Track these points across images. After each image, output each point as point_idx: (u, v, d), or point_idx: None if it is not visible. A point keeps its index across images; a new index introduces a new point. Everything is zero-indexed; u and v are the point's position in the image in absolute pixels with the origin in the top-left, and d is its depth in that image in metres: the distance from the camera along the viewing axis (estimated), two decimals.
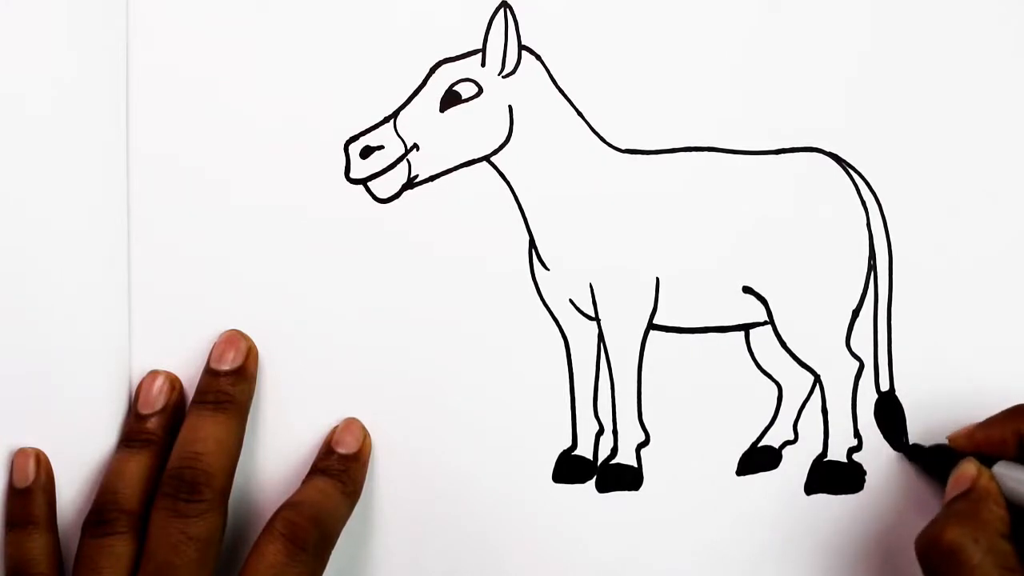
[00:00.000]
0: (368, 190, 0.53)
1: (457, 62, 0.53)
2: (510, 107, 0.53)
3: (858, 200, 0.54)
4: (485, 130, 0.53)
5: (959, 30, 0.54)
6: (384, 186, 0.53)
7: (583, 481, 0.54)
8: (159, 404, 0.52)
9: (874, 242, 0.54)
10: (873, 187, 0.54)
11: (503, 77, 0.53)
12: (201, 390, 0.52)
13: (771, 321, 0.54)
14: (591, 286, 0.54)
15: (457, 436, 0.54)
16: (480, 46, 0.53)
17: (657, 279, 0.54)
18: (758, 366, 0.54)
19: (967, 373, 0.54)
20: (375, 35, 0.53)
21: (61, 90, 0.51)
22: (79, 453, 0.52)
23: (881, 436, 0.54)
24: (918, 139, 0.54)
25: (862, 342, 0.54)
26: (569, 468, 0.54)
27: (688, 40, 0.53)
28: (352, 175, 0.53)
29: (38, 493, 0.51)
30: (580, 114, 0.53)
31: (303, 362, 0.53)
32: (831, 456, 0.54)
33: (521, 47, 0.53)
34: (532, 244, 0.53)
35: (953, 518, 0.47)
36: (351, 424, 0.53)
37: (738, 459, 0.54)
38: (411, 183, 0.53)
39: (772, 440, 0.54)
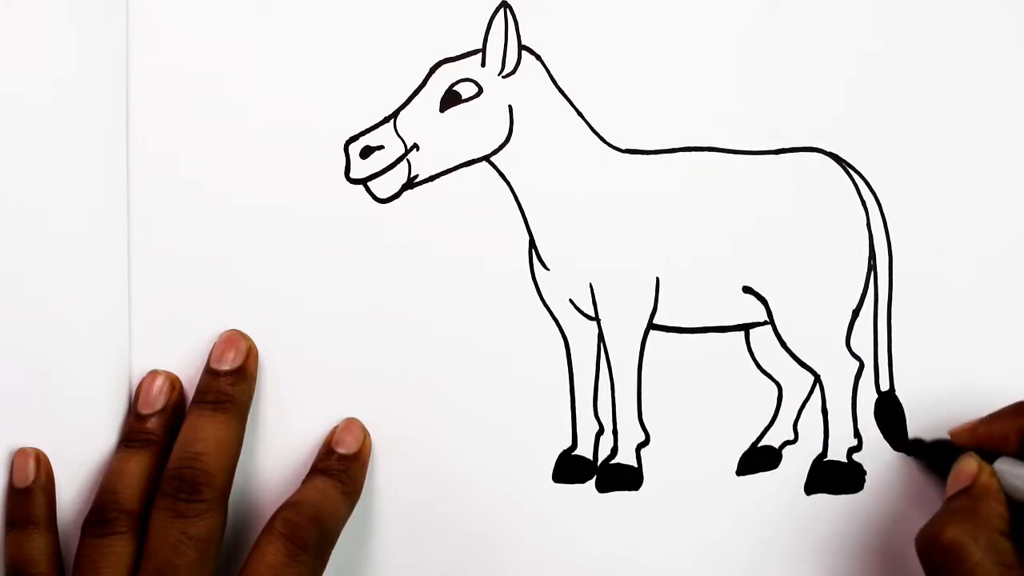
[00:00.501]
0: (368, 190, 0.53)
1: (457, 62, 0.53)
2: (510, 107, 0.53)
3: (858, 200, 0.54)
4: (485, 130, 0.53)
5: (959, 30, 0.54)
6: (384, 186, 0.53)
7: (583, 481, 0.54)
8: (159, 404, 0.52)
9: (874, 242, 0.54)
10: (873, 187, 0.54)
11: (503, 77, 0.53)
12: (201, 390, 0.52)
13: (771, 321, 0.54)
14: (591, 286, 0.54)
15: (457, 436, 0.54)
16: (480, 46, 0.53)
17: (657, 279, 0.54)
18: (758, 366, 0.54)
19: (967, 373, 0.54)
20: (375, 35, 0.53)
21: (61, 90, 0.51)
22: (79, 453, 0.52)
23: (881, 436, 0.54)
24: (918, 139, 0.54)
25: (862, 342, 0.54)
26: (569, 468, 0.54)
27: (688, 40, 0.53)
28: (352, 175, 0.53)
29: (38, 493, 0.51)
30: (580, 114, 0.53)
31: (303, 362, 0.53)
32: (831, 456, 0.54)
33: (521, 47, 0.53)
34: (532, 244, 0.53)
35: (953, 515, 0.47)
36: (351, 424, 0.53)
37: (738, 459, 0.54)
38: (411, 183, 0.53)
39: (772, 440, 0.54)
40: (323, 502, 0.50)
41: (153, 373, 0.52)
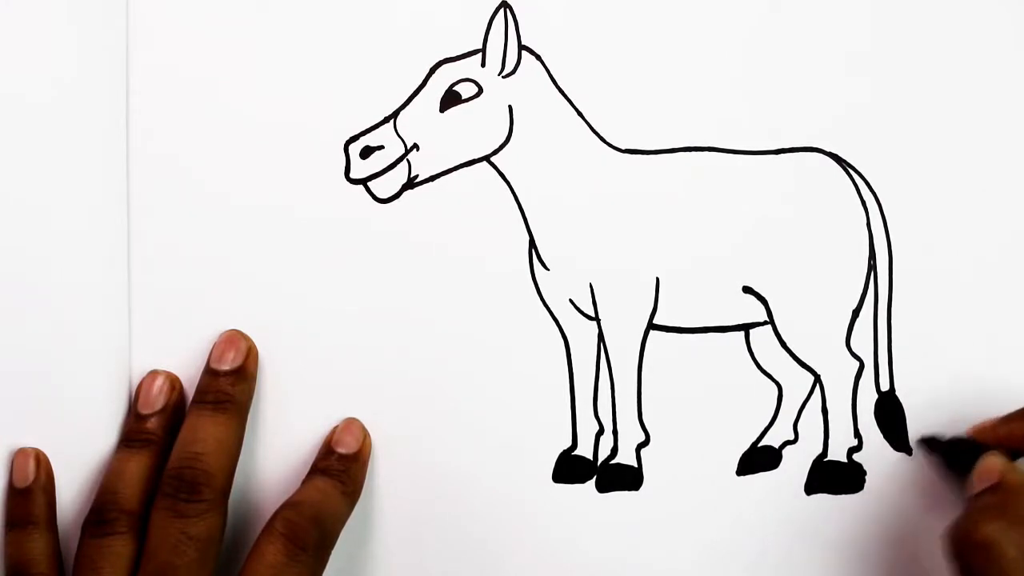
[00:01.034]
0: (368, 190, 0.53)
1: (457, 62, 0.53)
2: (510, 107, 0.53)
3: (858, 200, 0.54)
4: (485, 130, 0.53)
5: (959, 30, 0.54)
6: (384, 186, 0.53)
7: (583, 481, 0.54)
8: (159, 404, 0.52)
9: (874, 242, 0.54)
10: (873, 187, 0.54)
11: (503, 77, 0.53)
12: (201, 390, 0.52)
13: (771, 321, 0.54)
14: (591, 286, 0.54)
15: (457, 436, 0.54)
16: (480, 46, 0.53)
17: (657, 279, 0.54)
18: (758, 366, 0.54)
19: (967, 373, 0.54)
20: (375, 35, 0.53)
21: (61, 90, 0.51)
22: (79, 453, 0.52)
23: (881, 436, 0.54)
24: (918, 139, 0.54)
25: (862, 342, 0.54)
26: (569, 468, 0.54)
27: (688, 40, 0.53)
28: (352, 175, 0.53)
29: (38, 493, 0.51)
30: (580, 114, 0.53)
31: (303, 362, 0.53)
32: (831, 456, 0.54)
33: (521, 47, 0.53)
34: (532, 244, 0.53)
35: (984, 513, 0.47)
36: (351, 424, 0.53)
37: (738, 459, 0.54)
38: (411, 183, 0.53)
39: (772, 440, 0.54)
40: (323, 502, 0.50)
41: (153, 373, 0.52)
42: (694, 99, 0.53)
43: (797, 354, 0.54)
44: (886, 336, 0.54)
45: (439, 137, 0.53)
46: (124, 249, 0.52)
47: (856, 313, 0.54)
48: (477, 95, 0.53)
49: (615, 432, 0.54)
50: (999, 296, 0.54)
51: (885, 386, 0.54)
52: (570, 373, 0.54)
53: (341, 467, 0.52)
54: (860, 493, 0.54)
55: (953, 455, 0.52)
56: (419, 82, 0.53)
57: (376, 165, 0.53)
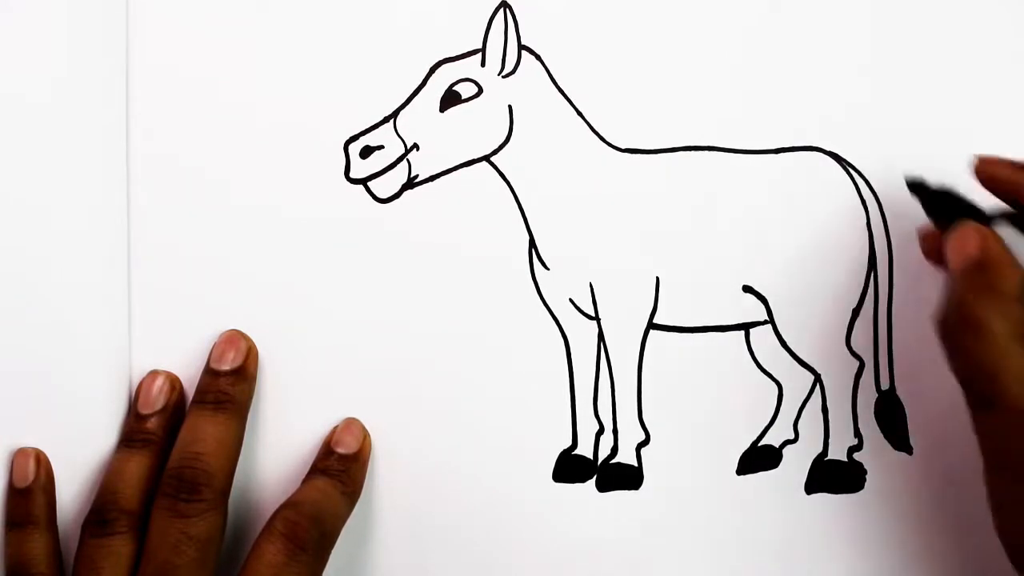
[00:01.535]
0: (368, 190, 0.53)
1: (457, 62, 0.53)
2: (510, 107, 0.53)
3: (858, 200, 0.54)
4: (485, 130, 0.53)
5: (959, 30, 0.54)
6: (384, 186, 0.53)
7: (583, 480, 0.54)
8: (159, 404, 0.52)
9: (874, 242, 0.54)
10: (873, 187, 0.54)
11: (503, 77, 0.53)
12: (201, 390, 0.52)
13: (771, 321, 0.54)
14: (591, 286, 0.54)
15: (457, 436, 0.54)
16: (480, 46, 0.53)
17: (657, 279, 0.54)
18: (758, 366, 0.54)
19: None
20: (375, 35, 0.53)
21: (61, 90, 0.51)
22: (79, 453, 0.52)
23: (881, 435, 0.54)
24: (918, 139, 0.54)
25: (862, 341, 0.54)
26: (569, 467, 0.54)
27: (688, 40, 0.53)
28: (352, 175, 0.53)
29: (38, 493, 0.51)
30: (580, 114, 0.53)
31: (303, 362, 0.53)
32: (831, 455, 0.54)
33: (521, 47, 0.53)
34: (532, 244, 0.53)
35: (970, 292, 0.46)
36: (351, 424, 0.53)
37: (738, 459, 0.54)
38: (411, 183, 0.53)
39: (772, 439, 0.54)
40: (323, 502, 0.50)
41: (153, 373, 0.52)
42: (694, 99, 0.53)
43: (797, 353, 0.54)
44: (886, 335, 0.54)
45: (439, 137, 0.53)
46: (124, 249, 0.52)
47: (856, 313, 0.54)
48: (477, 95, 0.53)
49: (615, 431, 0.54)
50: None
51: (885, 385, 0.54)
52: (570, 373, 0.54)
53: (341, 467, 0.52)
54: (860, 493, 0.54)
55: (935, 204, 0.51)
56: (419, 82, 0.53)
57: (376, 165, 0.53)
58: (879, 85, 0.54)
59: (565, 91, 0.53)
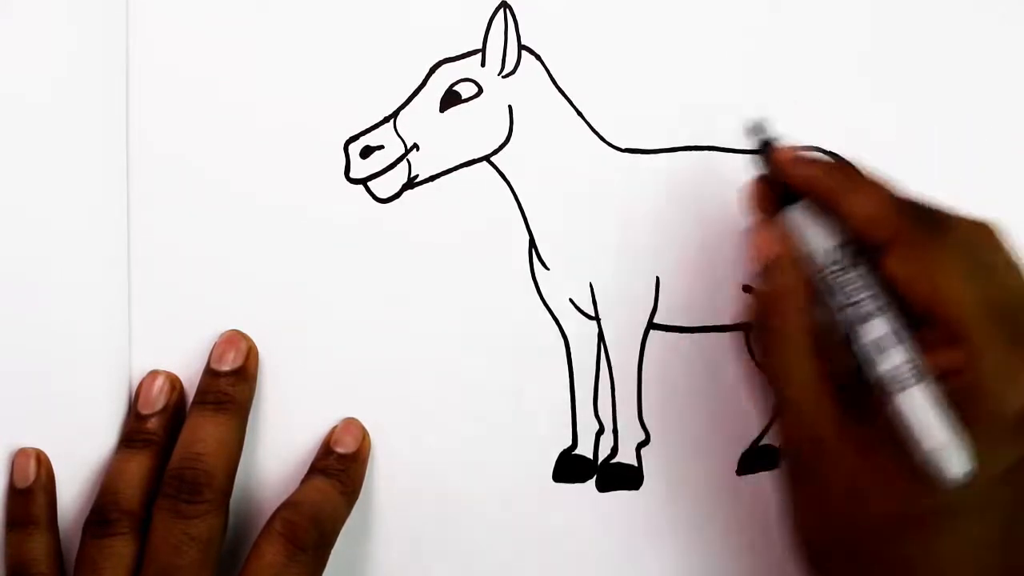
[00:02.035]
0: (368, 190, 0.53)
1: (457, 62, 0.53)
2: (510, 107, 0.53)
3: None
4: (485, 130, 0.53)
5: (959, 30, 0.54)
6: (384, 186, 0.53)
7: (583, 480, 0.54)
8: (159, 404, 0.52)
9: None
10: None
11: (503, 77, 0.53)
12: (201, 390, 0.52)
13: None
14: (591, 286, 0.54)
15: (457, 436, 0.54)
16: (480, 46, 0.53)
17: (657, 279, 0.54)
18: (758, 365, 0.54)
19: None
20: (375, 35, 0.52)
21: (61, 90, 0.51)
22: (79, 453, 0.52)
23: None
24: (918, 139, 0.54)
25: None
26: (569, 467, 0.54)
27: (688, 40, 0.53)
28: (352, 175, 0.53)
29: (39, 493, 0.51)
30: (580, 114, 0.53)
31: (303, 362, 0.53)
32: None
33: (521, 47, 0.53)
34: (532, 244, 0.53)
35: (766, 295, 0.46)
36: (350, 424, 0.53)
37: (738, 459, 0.54)
38: (411, 183, 0.53)
39: (772, 439, 0.54)
40: (322, 502, 0.50)
41: (153, 373, 0.52)
42: (694, 99, 0.53)
43: None
44: None
45: (439, 137, 0.53)
46: (124, 249, 0.52)
47: None
48: (477, 95, 0.53)
49: (615, 431, 0.54)
50: None
51: None
52: (570, 373, 0.54)
53: (340, 467, 0.52)
54: None
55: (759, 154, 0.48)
56: (419, 82, 0.53)
57: (376, 165, 0.53)
58: (879, 85, 0.54)
59: (565, 91, 0.53)
